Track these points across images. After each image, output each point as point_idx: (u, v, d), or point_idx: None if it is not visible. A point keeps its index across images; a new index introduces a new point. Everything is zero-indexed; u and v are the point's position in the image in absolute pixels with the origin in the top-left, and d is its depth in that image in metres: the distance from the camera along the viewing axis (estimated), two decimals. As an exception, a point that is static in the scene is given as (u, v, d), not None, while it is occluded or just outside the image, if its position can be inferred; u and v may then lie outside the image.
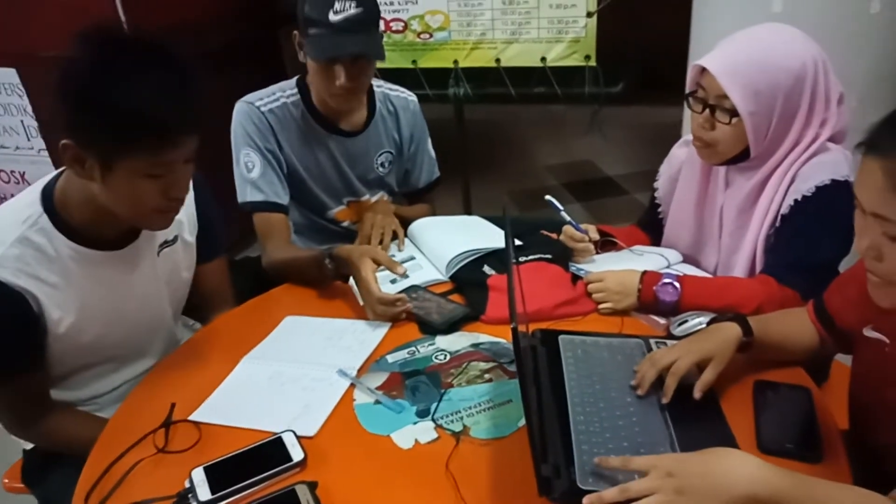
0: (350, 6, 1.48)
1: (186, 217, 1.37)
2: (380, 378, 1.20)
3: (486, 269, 1.47)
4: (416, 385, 1.18)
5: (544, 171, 4.37)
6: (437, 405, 1.12)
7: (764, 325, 1.11)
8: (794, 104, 1.24)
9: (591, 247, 1.51)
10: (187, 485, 0.97)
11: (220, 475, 0.98)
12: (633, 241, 1.59)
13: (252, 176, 1.66)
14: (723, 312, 1.17)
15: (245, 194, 1.68)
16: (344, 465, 1.02)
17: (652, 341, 1.21)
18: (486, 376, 1.19)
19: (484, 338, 1.29)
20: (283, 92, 1.69)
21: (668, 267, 1.44)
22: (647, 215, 1.64)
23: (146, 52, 1.06)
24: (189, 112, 1.07)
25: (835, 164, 1.26)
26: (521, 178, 4.23)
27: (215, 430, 1.10)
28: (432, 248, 1.59)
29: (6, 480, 1.43)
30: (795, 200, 1.27)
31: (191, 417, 1.12)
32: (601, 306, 1.34)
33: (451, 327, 1.32)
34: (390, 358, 1.25)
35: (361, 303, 1.39)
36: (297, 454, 1.00)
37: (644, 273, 1.32)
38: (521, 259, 1.48)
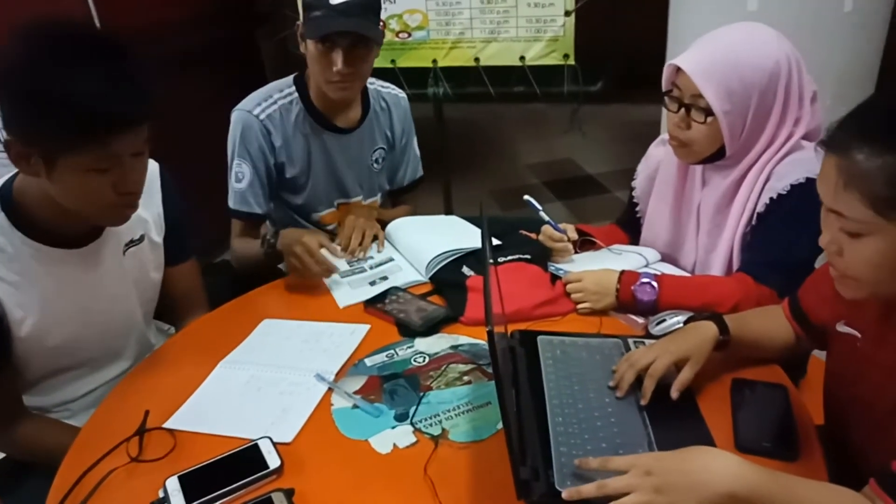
0: None
1: (152, 217, 1.35)
2: (358, 382, 1.19)
3: (466, 269, 1.47)
4: (395, 388, 1.17)
5: (525, 169, 4.37)
6: (416, 409, 1.11)
7: (740, 323, 1.12)
8: (769, 103, 1.25)
9: (570, 246, 1.51)
10: (161, 494, 0.96)
11: (195, 484, 0.96)
12: (612, 240, 1.59)
13: (240, 187, 1.70)
14: (700, 311, 1.18)
15: (231, 201, 1.73)
16: (321, 472, 1.01)
17: (630, 341, 1.22)
18: (466, 378, 1.18)
19: (463, 339, 1.29)
20: (279, 92, 1.70)
21: (646, 266, 1.44)
22: (625, 214, 1.65)
23: (84, 44, 1.02)
24: (131, 103, 1.03)
25: (809, 161, 1.26)
26: (501, 177, 4.24)
27: (191, 437, 1.08)
28: (411, 249, 1.58)
29: (-24, 490, 1.40)
30: (771, 199, 1.28)
31: (165, 425, 1.11)
32: (580, 306, 1.34)
33: (430, 329, 1.31)
34: (368, 361, 1.24)
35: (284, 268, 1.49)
36: (273, 461, 0.99)
37: (622, 273, 1.32)
38: (500, 259, 1.47)
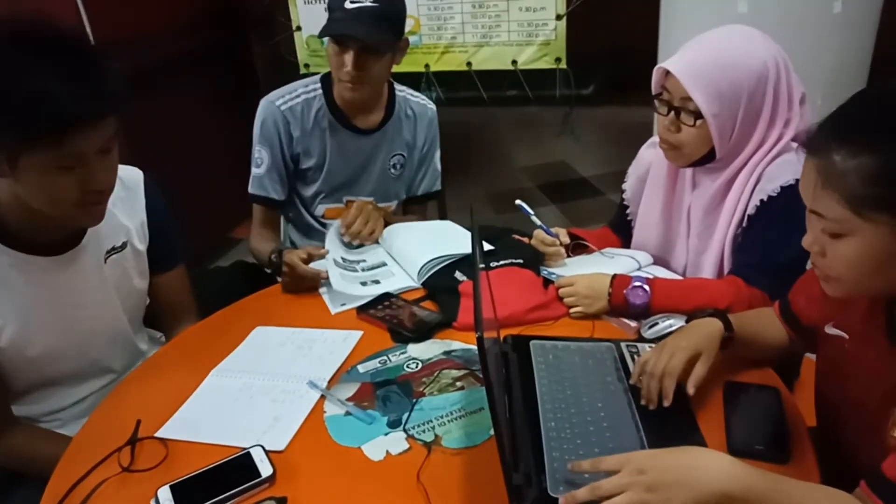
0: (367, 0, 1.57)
1: (135, 224, 1.34)
2: (351, 389, 1.19)
3: (458, 275, 1.47)
4: (388, 395, 1.16)
5: (518, 172, 4.38)
6: (409, 415, 1.11)
7: (739, 322, 1.12)
8: (758, 104, 1.25)
9: (562, 250, 1.51)
10: (153, 504, 0.95)
11: (187, 493, 0.96)
12: (605, 243, 1.60)
13: (259, 172, 1.78)
14: (693, 314, 1.18)
15: (250, 186, 1.80)
16: (314, 480, 1.00)
17: (623, 345, 1.22)
18: (458, 384, 1.18)
19: (456, 345, 1.29)
20: (305, 87, 1.77)
21: (638, 269, 1.44)
22: (617, 217, 1.65)
23: (41, 41, 1.01)
24: (87, 100, 1.01)
25: (799, 163, 1.26)
26: (495, 180, 4.24)
27: (183, 446, 1.08)
28: (404, 255, 1.58)
29: (-34, 501, 1.40)
30: (761, 200, 1.28)
31: (157, 434, 1.10)
32: (572, 310, 1.34)
33: (423, 335, 1.31)
34: (361, 368, 1.24)
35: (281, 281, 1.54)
36: (265, 469, 0.99)
37: (614, 276, 1.32)
38: (493, 264, 1.47)
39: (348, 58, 1.60)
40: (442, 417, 1.10)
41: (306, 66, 3.33)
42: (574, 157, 4.50)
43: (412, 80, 3.13)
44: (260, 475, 0.98)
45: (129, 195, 1.34)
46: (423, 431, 1.07)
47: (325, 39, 1.66)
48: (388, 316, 1.37)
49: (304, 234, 1.91)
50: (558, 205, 3.87)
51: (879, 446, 0.89)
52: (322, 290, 1.50)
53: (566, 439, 1.00)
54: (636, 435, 1.01)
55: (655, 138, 1.41)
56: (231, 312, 1.49)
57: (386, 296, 1.44)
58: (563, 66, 2.97)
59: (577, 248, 1.56)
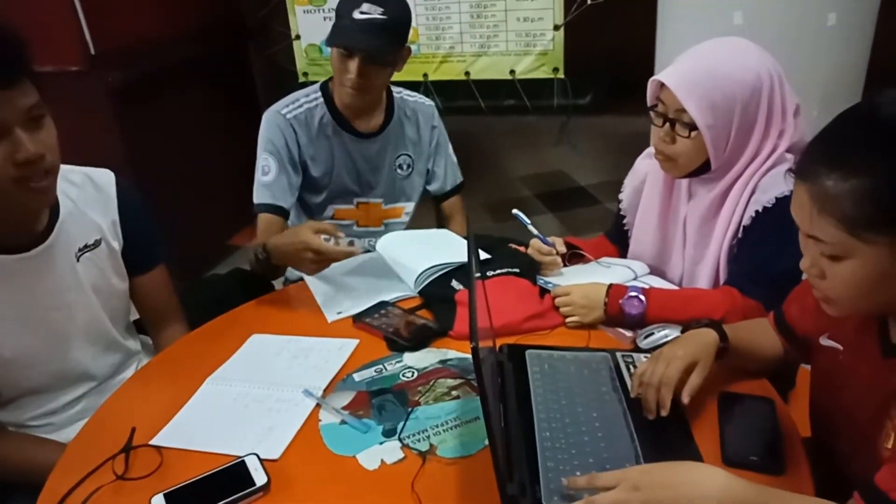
0: (376, 11, 1.59)
1: (107, 223, 1.33)
2: (346, 397, 1.19)
3: (455, 283, 1.47)
4: (383, 404, 1.16)
5: (516, 181, 4.39)
6: (404, 424, 1.11)
7: (734, 333, 1.12)
8: (752, 116, 1.26)
9: (559, 260, 1.51)
10: (147, 512, 0.95)
11: (182, 502, 0.96)
12: (601, 253, 1.60)
13: (266, 180, 1.76)
14: (688, 324, 1.18)
15: (256, 196, 1.78)
16: (308, 489, 1.00)
17: (618, 354, 1.22)
18: (454, 393, 1.18)
19: (452, 354, 1.29)
20: (306, 97, 1.79)
21: (634, 279, 1.45)
22: (613, 226, 1.66)
23: None
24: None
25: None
26: (493, 189, 4.25)
27: (177, 454, 1.08)
28: (400, 264, 1.59)
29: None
30: (756, 211, 1.29)
31: (152, 442, 1.10)
32: (568, 320, 1.34)
33: (419, 344, 1.31)
34: (357, 376, 1.24)
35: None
36: (260, 478, 0.99)
37: (610, 286, 1.33)
38: (489, 273, 1.48)
39: (353, 65, 1.63)
40: (437, 427, 1.10)
41: (305, 74, 3.35)
42: (571, 166, 4.51)
43: (411, 89, 3.12)
44: (255, 484, 0.98)
45: (100, 195, 1.33)
46: (419, 440, 1.07)
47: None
48: (384, 325, 1.37)
49: None
50: (555, 214, 3.88)
51: (873, 457, 0.89)
52: (318, 298, 1.51)
53: (561, 449, 1.00)
54: (631, 445, 1.01)
55: (651, 149, 1.42)
56: (227, 320, 1.49)
57: (382, 304, 1.44)
58: (561, 75, 2.99)
59: (573, 257, 1.57)
